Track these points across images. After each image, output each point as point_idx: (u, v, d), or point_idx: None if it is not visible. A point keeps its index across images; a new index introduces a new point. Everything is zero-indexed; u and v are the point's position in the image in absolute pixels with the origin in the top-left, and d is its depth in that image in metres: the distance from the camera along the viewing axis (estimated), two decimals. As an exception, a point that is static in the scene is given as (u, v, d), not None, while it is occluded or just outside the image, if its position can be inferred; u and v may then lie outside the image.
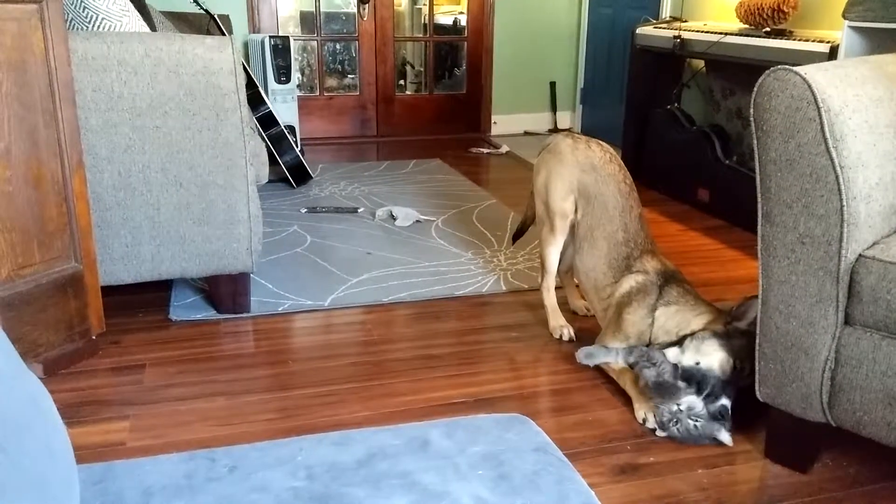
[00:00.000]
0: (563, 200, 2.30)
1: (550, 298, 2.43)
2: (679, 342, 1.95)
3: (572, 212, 2.30)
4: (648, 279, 2.11)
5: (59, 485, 0.72)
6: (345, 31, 5.45)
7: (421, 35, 5.77)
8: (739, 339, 1.86)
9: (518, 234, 2.74)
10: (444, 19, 5.78)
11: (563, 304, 2.50)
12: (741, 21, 3.57)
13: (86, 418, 1.91)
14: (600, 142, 2.35)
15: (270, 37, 4.47)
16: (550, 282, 2.42)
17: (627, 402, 2.00)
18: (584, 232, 2.26)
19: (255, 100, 3.77)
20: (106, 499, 0.89)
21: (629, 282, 2.13)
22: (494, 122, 5.72)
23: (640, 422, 1.91)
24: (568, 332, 2.35)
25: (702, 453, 1.79)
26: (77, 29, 2.28)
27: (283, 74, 4.51)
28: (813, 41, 3.00)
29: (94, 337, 2.20)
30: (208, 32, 3.87)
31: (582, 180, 2.27)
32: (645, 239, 2.19)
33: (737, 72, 3.74)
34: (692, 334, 1.93)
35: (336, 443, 1.01)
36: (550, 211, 2.34)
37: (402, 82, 5.77)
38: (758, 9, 3.41)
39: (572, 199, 2.30)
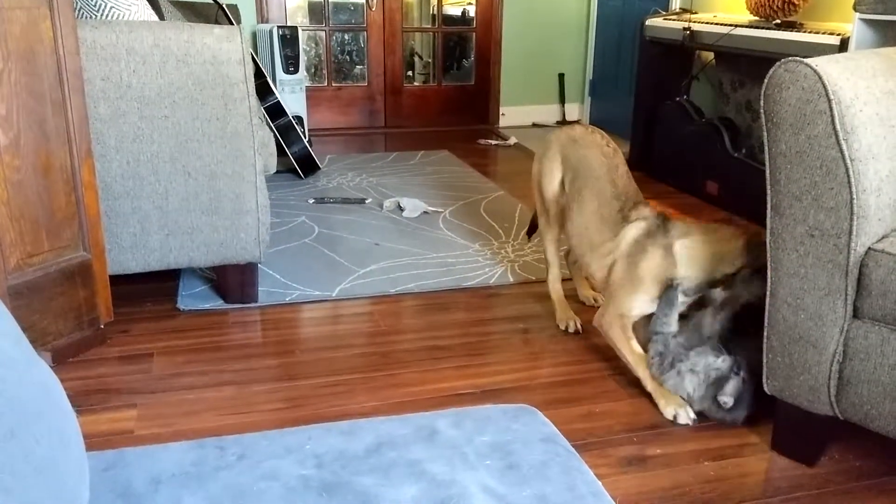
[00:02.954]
0: (551, 184, 2.34)
1: (557, 290, 2.44)
2: (723, 281, 1.89)
3: (562, 195, 2.32)
4: (651, 222, 2.06)
5: (69, 471, 0.72)
6: (353, 21, 5.44)
7: (429, 26, 5.75)
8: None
9: (532, 229, 2.72)
10: (453, 10, 5.76)
11: (576, 298, 2.50)
12: (751, 13, 3.55)
13: (94, 406, 1.92)
14: (587, 125, 2.41)
15: (279, 27, 4.46)
16: (556, 273, 2.43)
17: (634, 394, 2.00)
18: (572, 195, 2.25)
19: (263, 90, 3.77)
20: (115, 486, 0.89)
21: (631, 231, 2.07)
22: (503, 114, 5.70)
23: (671, 419, 1.87)
24: (574, 323, 2.35)
25: (709, 445, 1.79)
26: (86, 18, 2.28)
27: (291, 65, 4.50)
28: (823, 33, 2.98)
29: (102, 326, 2.21)
30: (216, 22, 3.87)
31: (564, 154, 2.31)
32: (636, 192, 2.17)
33: (746, 64, 3.72)
34: (738, 272, 1.87)
35: (344, 432, 1.01)
36: (545, 201, 2.38)
37: (410, 73, 5.76)
38: (768, 1, 3.39)
39: (558, 180, 2.32)
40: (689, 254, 1.95)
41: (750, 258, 1.86)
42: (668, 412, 1.88)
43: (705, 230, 1.98)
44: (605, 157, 2.21)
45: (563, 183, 2.32)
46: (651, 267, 1.99)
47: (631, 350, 2.01)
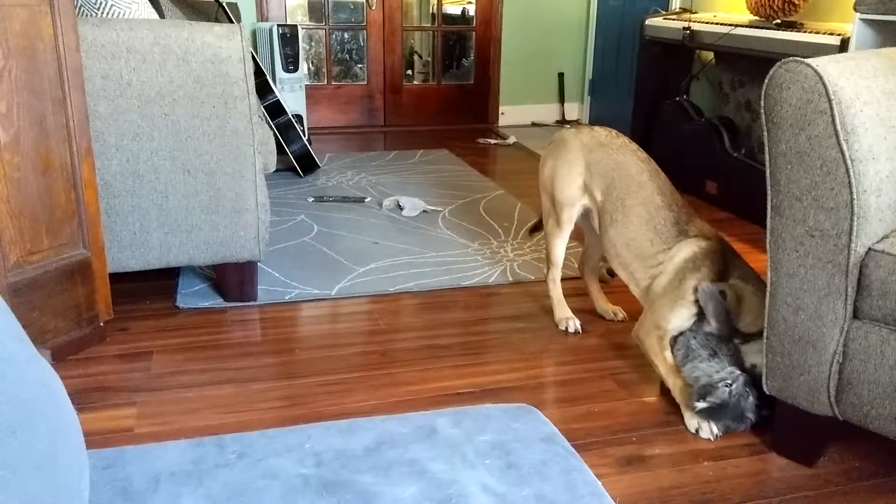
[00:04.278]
0: (569, 187, 2.27)
1: (556, 290, 2.42)
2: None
3: (580, 198, 2.27)
4: (713, 245, 2.00)
5: (69, 468, 0.72)
6: (353, 20, 5.44)
7: (429, 25, 5.75)
8: None
9: (538, 227, 2.70)
10: (453, 9, 5.75)
11: (574, 297, 2.50)
12: (751, 13, 3.55)
13: (93, 404, 1.92)
14: (607, 128, 2.34)
15: (279, 25, 4.46)
16: (556, 274, 2.42)
17: (633, 394, 2.00)
18: (613, 205, 2.17)
19: (262, 88, 3.77)
20: (115, 483, 0.89)
21: (690, 247, 2.01)
22: (502, 113, 5.70)
23: (693, 432, 1.83)
24: (574, 324, 2.35)
25: (708, 445, 1.79)
26: (86, 15, 2.28)
27: (290, 63, 4.50)
28: (824, 34, 2.98)
29: (101, 324, 2.21)
30: (216, 20, 3.87)
31: (591, 160, 2.24)
32: (684, 202, 2.11)
33: (746, 64, 3.72)
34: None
35: (344, 430, 1.01)
36: (557, 202, 2.32)
37: (409, 72, 5.76)
38: (768, 0, 3.39)
39: (579, 183, 2.26)
40: (737, 297, 1.92)
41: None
42: (692, 425, 1.84)
43: (761, 285, 1.91)
44: (642, 162, 2.16)
45: (585, 187, 2.25)
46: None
47: (664, 360, 1.96)
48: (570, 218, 2.31)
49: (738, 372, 1.81)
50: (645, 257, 2.10)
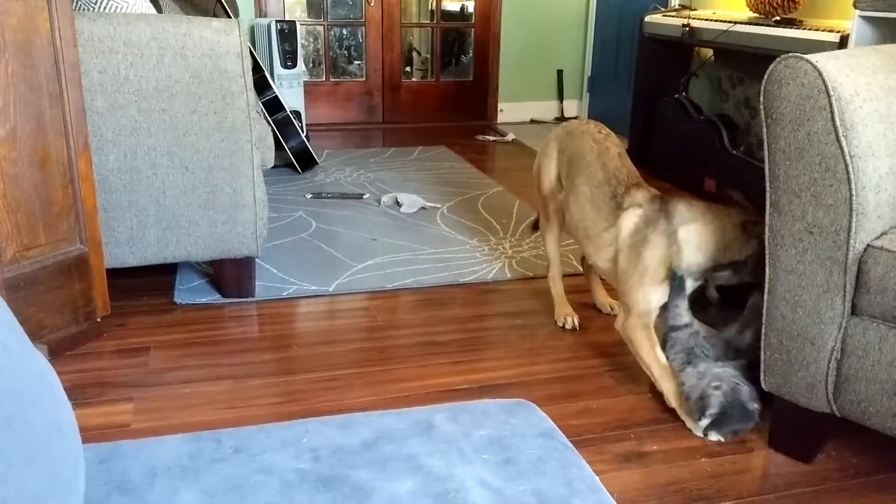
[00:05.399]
0: (548, 181, 2.32)
1: (557, 287, 2.43)
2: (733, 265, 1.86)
3: (559, 191, 2.29)
4: (648, 208, 1.97)
5: (65, 462, 0.72)
6: (352, 16, 5.43)
7: (428, 21, 5.74)
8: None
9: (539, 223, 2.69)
10: (452, 5, 5.74)
11: (572, 294, 2.50)
12: (751, 10, 3.55)
13: (90, 400, 1.91)
14: (587, 119, 2.37)
15: (277, 21, 4.45)
16: (555, 271, 2.42)
17: (631, 390, 2.00)
18: (569, 188, 2.20)
19: (261, 84, 3.76)
20: (111, 478, 0.89)
21: (629, 220, 1.98)
22: (501, 110, 5.70)
23: (701, 435, 1.80)
24: (572, 320, 2.35)
25: (705, 442, 1.78)
26: (83, 10, 2.27)
27: (289, 59, 4.49)
28: (823, 31, 2.98)
29: (98, 319, 2.20)
30: (214, 15, 3.86)
31: (561, 148, 2.28)
32: (628, 174, 2.07)
33: (745, 61, 3.72)
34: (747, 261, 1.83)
35: (341, 426, 1.01)
36: (543, 198, 2.36)
37: (408, 69, 5.74)
38: (768, -3, 3.38)
39: (553, 174, 2.29)
40: (695, 242, 1.88)
41: (759, 245, 1.77)
42: (699, 434, 1.80)
43: (711, 218, 1.89)
44: (595, 142, 2.15)
45: (559, 178, 2.29)
46: (656, 256, 1.91)
47: (656, 359, 1.91)
48: (554, 211, 2.34)
49: (721, 366, 1.81)
50: (593, 237, 2.08)
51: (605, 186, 2.06)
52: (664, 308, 1.94)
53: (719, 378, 1.78)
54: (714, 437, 1.79)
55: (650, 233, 1.93)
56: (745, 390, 1.77)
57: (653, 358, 1.92)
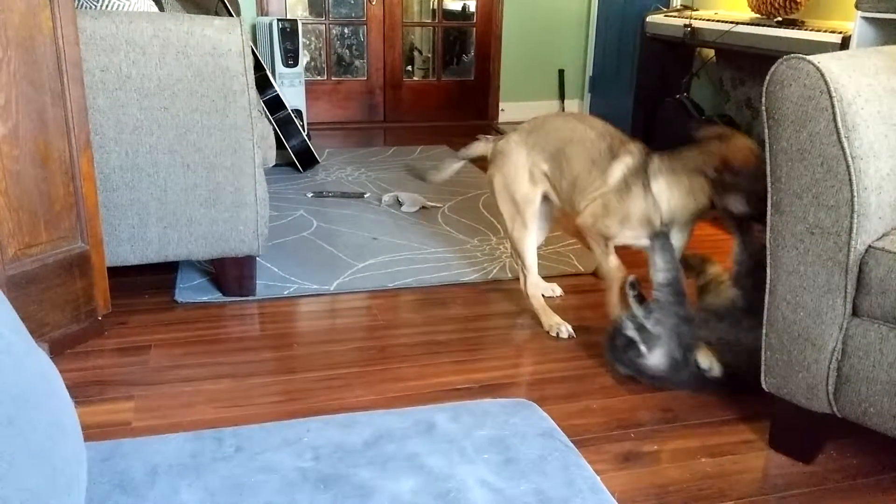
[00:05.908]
0: (522, 184, 2.32)
1: (538, 297, 2.38)
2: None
3: (535, 188, 2.31)
4: (637, 157, 2.11)
5: (67, 460, 0.72)
6: (353, 15, 5.43)
7: (429, 20, 5.74)
8: None
9: None
10: (454, 5, 5.74)
11: (572, 295, 2.50)
12: (753, 10, 3.55)
13: (91, 398, 1.92)
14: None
15: (278, 20, 4.45)
16: (534, 279, 2.38)
17: (631, 390, 2.00)
18: (557, 162, 2.25)
19: (262, 83, 3.75)
20: (113, 476, 0.89)
21: (618, 167, 2.12)
22: (502, 110, 5.69)
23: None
24: (566, 329, 2.29)
25: (706, 442, 1.79)
26: (85, 8, 2.27)
27: (290, 58, 4.49)
28: (825, 31, 2.98)
29: (99, 317, 2.20)
30: (216, 14, 3.86)
31: (530, 142, 2.32)
32: (619, 133, 2.21)
33: (747, 61, 3.72)
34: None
35: (342, 425, 1.01)
36: (518, 204, 2.33)
37: (409, 68, 5.74)
38: (770, -2, 3.38)
39: (525, 176, 2.31)
40: (667, 194, 2.04)
41: (720, 190, 1.95)
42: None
43: (675, 166, 2.05)
44: (571, 115, 2.30)
45: (532, 176, 2.30)
46: (635, 208, 2.07)
47: (607, 258, 2.13)
48: (534, 211, 2.34)
49: (684, 325, 1.88)
50: (585, 188, 2.19)
51: (600, 142, 2.19)
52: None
53: (667, 326, 1.82)
54: (614, 364, 1.95)
55: (632, 183, 2.08)
56: (678, 351, 1.80)
57: (604, 257, 2.12)
